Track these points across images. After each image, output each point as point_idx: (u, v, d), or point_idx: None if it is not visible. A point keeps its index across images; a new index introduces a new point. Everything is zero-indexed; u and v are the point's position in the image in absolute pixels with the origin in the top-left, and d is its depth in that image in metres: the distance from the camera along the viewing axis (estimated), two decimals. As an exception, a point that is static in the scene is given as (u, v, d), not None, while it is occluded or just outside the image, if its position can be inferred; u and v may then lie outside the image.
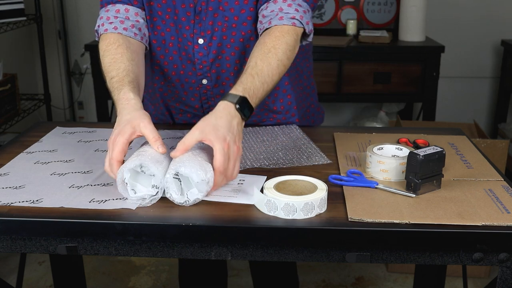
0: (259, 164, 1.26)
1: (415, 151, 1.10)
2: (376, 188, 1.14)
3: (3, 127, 2.67)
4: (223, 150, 1.06)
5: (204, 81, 1.44)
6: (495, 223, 1.00)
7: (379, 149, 1.24)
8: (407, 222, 1.00)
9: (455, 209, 1.05)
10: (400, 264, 1.58)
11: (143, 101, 1.38)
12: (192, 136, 1.09)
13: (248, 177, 1.20)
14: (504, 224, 1.00)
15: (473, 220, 1.01)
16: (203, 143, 1.11)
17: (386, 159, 1.18)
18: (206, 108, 1.49)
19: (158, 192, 1.07)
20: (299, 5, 1.32)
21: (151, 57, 1.48)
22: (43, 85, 3.13)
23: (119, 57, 1.29)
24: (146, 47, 1.43)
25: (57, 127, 1.54)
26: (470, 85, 3.51)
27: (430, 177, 1.11)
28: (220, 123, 1.10)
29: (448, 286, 2.32)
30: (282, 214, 1.03)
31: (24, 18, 2.86)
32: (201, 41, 1.40)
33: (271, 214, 1.03)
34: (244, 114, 1.14)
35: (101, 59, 1.33)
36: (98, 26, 1.40)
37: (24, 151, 1.36)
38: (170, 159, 1.11)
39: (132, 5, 1.39)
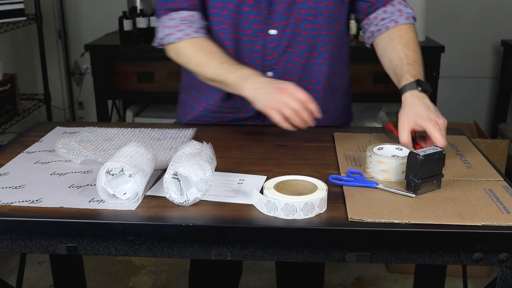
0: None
1: (415, 151, 1.10)
2: (376, 188, 1.14)
3: (3, 127, 2.67)
4: (435, 127, 1.26)
5: (270, 74, 1.45)
6: (495, 223, 1.00)
7: (379, 149, 1.24)
8: (407, 222, 1.00)
9: (455, 209, 1.05)
10: (400, 264, 1.58)
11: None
12: (403, 130, 1.30)
13: (248, 177, 1.20)
14: (504, 224, 1.00)
15: (473, 220, 1.01)
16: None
17: (386, 159, 1.18)
18: None
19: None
20: (405, 6, 1.49)
21: None
22: (43, 85, 3.13)
23: (215, 50, 1.39)
24: None
25: (57, 127, 1.54)
26: (470, 85, 3.51)
27: (430, 177, 1.11)
28: (418, 110, 1.31)
29: (448, 286, 2.32)
30: (282, 214, 1.03)
31: (24, 18, 2.86)
32: (272, 32, 1.42)
33: (271, 214, 1.03)
34: (427, 91, 1.35)
35: (190, 58, 1.41)
36: (166, 35, 1.43)
37: (24, 151, 1.36)
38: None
39: (194, 10, 1.43)
